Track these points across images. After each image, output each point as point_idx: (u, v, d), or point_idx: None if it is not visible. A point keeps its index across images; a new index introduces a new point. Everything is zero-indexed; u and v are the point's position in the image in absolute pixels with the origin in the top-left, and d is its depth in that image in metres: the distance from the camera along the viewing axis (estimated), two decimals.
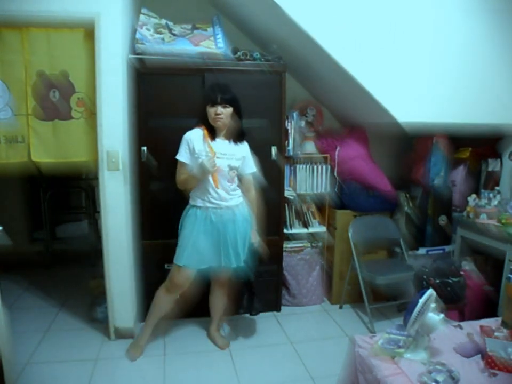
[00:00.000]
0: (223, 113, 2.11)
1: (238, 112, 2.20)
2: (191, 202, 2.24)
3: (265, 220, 2.51)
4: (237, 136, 2.23)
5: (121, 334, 2.56)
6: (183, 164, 2.18)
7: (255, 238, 2.36)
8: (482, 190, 2.87)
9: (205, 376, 2.23)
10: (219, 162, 2.11)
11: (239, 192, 2.28)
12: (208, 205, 2.17)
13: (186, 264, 2.18)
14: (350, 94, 2.82)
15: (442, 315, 1.58)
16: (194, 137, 2.16)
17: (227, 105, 2.11)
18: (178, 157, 2.18)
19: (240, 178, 2.29)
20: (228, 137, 2.22)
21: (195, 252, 2.18)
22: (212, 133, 2.16)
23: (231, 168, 2.17)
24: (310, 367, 2.32)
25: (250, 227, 2.32)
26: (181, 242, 2.23)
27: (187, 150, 2.16)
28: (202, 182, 2.15)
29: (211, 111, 2.11)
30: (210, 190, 2.15)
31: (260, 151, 2.44)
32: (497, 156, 3.00)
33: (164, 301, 2.30)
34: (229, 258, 2.21)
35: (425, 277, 2.51)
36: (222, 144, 2.18)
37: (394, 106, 2.58)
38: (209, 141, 2.13)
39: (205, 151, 2.12)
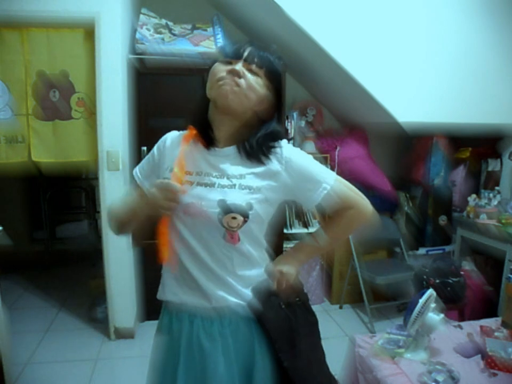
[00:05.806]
0: (246, 78, 0.93)
1: (276, 95, 1.01)
2: (159, 293, 1.08)
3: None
4: (261, 142, 0.98)
5: (121, 334, 2.56)
6: (135, 184, 1.11)
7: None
8: (482, 190, 2.87)
9: None
10: (197, 192, 0.96)
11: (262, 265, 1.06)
12: (189, 299, 1.01)
13: None
14: (350, 94, 2.82)
15: (442, 315, 1.58)
16: (172, 140, 1.10)
17: (258, 69, 0.95)
18: (134, 170, 1.13)
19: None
20: (237, 141, 1.00)
21: None
22: (205, 136, 1.01)
23: (226, 208, 0.93)
24: None
25: None
26: None
27: (150, 160, 1.11)
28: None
29: (220, 69, 0.95)
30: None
31: None
32: (497, 156, 3.00)
33: None
34: None
35: (425, 277, 2.50)
36: (217, 156, 1.00)
37: (394, 106, 2.58)
38: (185, 145, 1.01)
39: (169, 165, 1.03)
